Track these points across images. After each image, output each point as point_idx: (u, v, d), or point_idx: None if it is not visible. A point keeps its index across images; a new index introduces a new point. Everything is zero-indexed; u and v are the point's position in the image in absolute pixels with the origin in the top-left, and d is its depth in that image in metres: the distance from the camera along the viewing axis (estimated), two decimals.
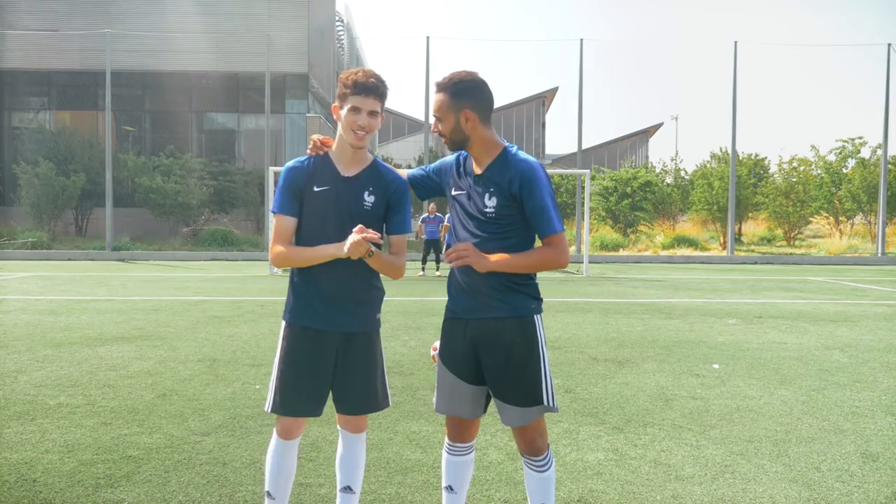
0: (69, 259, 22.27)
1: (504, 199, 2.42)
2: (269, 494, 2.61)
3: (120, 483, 3.31)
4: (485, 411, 2.60)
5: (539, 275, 2.64)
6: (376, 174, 2.60)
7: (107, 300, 10.67)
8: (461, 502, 2.65)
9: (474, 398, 2.54)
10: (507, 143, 2.54)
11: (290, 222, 2.57)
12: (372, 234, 2.39)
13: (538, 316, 2.52)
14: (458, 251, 2.39)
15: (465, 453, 2.63)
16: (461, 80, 2.44)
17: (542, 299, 2.57)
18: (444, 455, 2.65)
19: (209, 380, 5.39)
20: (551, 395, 2.48)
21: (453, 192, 2.59)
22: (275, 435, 2.61)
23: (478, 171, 2.51)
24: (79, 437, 3.97)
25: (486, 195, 2.45)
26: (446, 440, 2.65)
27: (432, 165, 2.75)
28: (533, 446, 2.49)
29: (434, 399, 2.63)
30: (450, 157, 2.68)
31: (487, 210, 2.44)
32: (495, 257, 2.41)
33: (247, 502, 3.13)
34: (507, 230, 2.45)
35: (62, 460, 3.60)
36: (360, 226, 2.41)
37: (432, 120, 2.57)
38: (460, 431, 2.60)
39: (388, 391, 2.71)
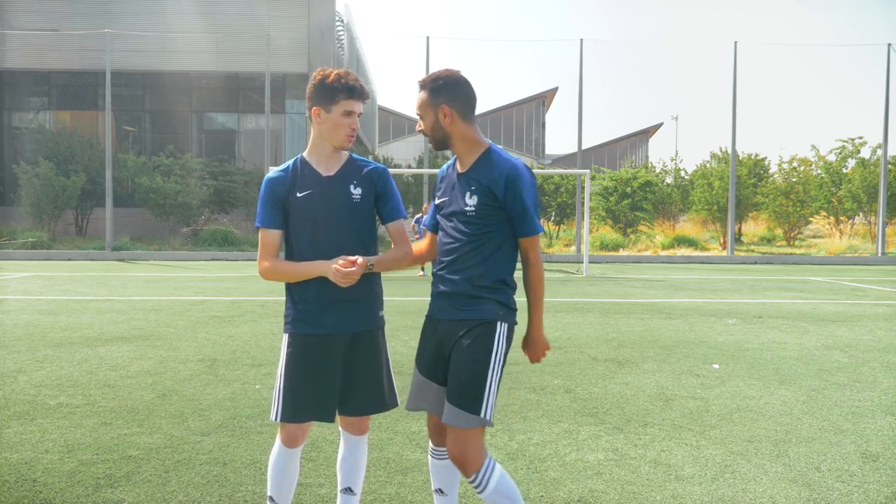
0: (69, 259, 22.27)
1: (485, 198, 2.41)
2: (271, 500, 2.59)
3: (120, 483, 3.31)
4: None
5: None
6: (355, 167, 2.60)
7: (107, 300, 10.67)
8: (454, 503, 2.64)
9: (440, 398, 2.50)
10: (490, 143, 2.52)
11: (276, 236, 2.55)
12: (355, 268, 2.40)
13: (503, 323, 2.45)
14: (535, 354, 2.58)
15: (446, 457, 2.58)
16: (438, 77, 2.46)
17: (513, 308, 2.51)
18: (429, 459, 2.64)
19: (209, 380, 5.39)
20: (489, 409, 2.38)
21: (436, 200, 2.60)
22: (278, 442, 2.58)
23: (461, 170, 2.50)
24: (79, 437, 3.97)
25: (468, 193, 2.43)
26: (430, 444, 2.63)
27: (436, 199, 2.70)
28: (456, 463, 2.41)
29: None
30: (440, 171, 2.68)
31: (467, 208, 2.43)
32: (534, 329, 2.55)
33: (247, 502, 3.13)
34: (485, 230, 2.43)
35: (62, 460, 3.60)
36: (342, 259, 2.42)
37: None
38: (437, 434, 2.58)
39: (396, 390, 2.70)
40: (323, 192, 2.53)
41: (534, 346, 2.55)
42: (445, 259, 2.50)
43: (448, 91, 2.45)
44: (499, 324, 2.44)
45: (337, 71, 2.49)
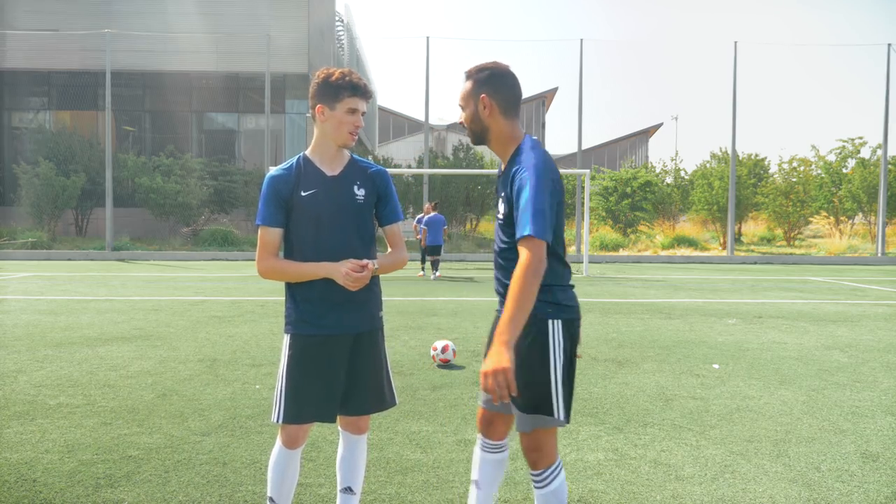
0: (69, 259, 22.27)
1: (508, 206, 2.33)
2: (271, 500, 2.59)
3: (120, 483, 3.31)
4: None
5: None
6: (358, 168, 2.62)
7: (107, 300, 10.67)
8: (488, 501, 2.58)
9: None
10: (524, 136, 2.40)
11: (277, 234, 2.53)
12: (365, 272, 2.45)
13: (555, 321, 2.31)
14: (491, 390, 2.02)
15: (493, 451, 2.57)
16: (485, 68, 2.40)
17: (564, 305, 2.36)
18: (476, 449, 2.63)
19: (209, 380, 5.39)
20: (560, 408, 2.30)
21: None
22: (278, 444, 2.58)
23: (502, 170, 2.46)
24: (79, 437, 3.97)
25: (499, 200, 2.40)
26: (479, 436, 2.62)
27: None
28: (528, 457, 2.39)
29: None
30: None
31: (499, 216, 2.40)
32: (498, 342, 2.04)
33: (247, 502, 3.13)
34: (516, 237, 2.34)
35: (62, 460, 3.60)
36: (352, 263, 2.45)
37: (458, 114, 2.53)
38: (486, 425, 2.57)
39: (395, 390, 2.71)
40: (328, 191, 2.53)
41: (486, 361, 2.04)
42: (496, 260, 2.48)
43: (492, 83, 2.38)
44: (550, 322, 2.31)
45: (341, 70, 2.51)
